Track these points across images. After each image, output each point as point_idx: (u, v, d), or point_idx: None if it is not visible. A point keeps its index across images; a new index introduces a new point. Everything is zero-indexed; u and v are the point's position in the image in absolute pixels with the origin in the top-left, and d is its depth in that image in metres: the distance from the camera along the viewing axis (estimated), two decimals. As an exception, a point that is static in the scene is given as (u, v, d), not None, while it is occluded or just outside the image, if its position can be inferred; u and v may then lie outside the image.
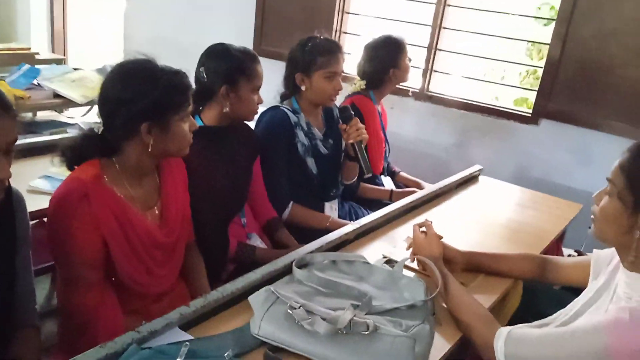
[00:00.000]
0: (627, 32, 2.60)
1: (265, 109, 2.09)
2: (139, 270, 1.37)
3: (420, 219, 1.91)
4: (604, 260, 1.27)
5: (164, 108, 1.30)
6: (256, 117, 1.94)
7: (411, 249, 1.50)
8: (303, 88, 2.06)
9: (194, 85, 1.70)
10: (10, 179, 1.10)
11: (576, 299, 1.25)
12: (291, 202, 2.04)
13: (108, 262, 1.32)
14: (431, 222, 1.53)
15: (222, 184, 1.75)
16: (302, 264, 1.38)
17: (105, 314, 1.31)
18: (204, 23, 4.06)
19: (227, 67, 1.70)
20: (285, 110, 2.05)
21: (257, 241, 1.88)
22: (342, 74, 2.09)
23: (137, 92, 1.28)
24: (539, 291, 1.69)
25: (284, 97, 2.15)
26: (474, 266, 1.54)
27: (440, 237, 1.49)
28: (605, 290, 1.18)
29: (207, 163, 1.71)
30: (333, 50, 2.04)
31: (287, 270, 1.34)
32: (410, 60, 2.56)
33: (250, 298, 1.19)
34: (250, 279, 1.27)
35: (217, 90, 1.70)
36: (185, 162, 1.57)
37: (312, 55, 2.02)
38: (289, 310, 1.12)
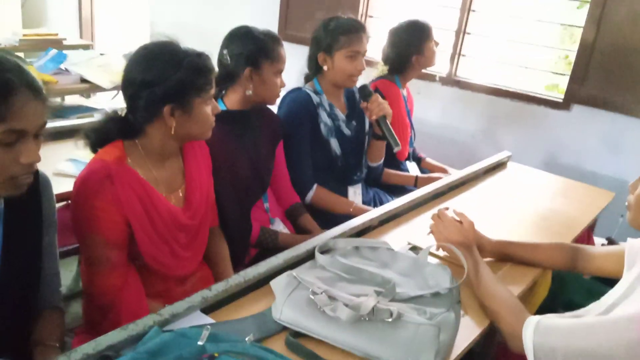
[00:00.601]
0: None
1: (287, 91, 2.07)
2: (163, 252, 1.38)
3: (446, 205, 1.87)
4: (639, 249, 1.21)
5: (186, 90, 1.29)
6: (278, 100, 1.92)
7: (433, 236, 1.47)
8: (325, 68, 2.03)
9: (216, 69, 1.70)
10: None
11: (610, 291, 1.20)
12: (315, 185, 2.02)
13: (132, 244, 1.33)
14: (447, 209, 1.48)
15: (244, 169, 1.74)
16: (325, 250, 1.36)
17: (128, 296, 1.31)
18: (229, 8, 4.05)
19: (250, 49, 1.69)
20: (308, 91, 2.03)
21: (279, 226, 1.87)
22: (367, 57, 2.05)
23: (159, 74, 1.27)
24: (567, 280, 1.64)
25: (307, 79, 2.13)
26: (504, 255, 1.50)
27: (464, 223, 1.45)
28: None
29: (230, 147, 1.70)
30: (356, 29, 2.01)
31: (309, 256, 1.33)
32: (437, 44, 2.47)
33: (272, 283, 1.18)
34: (272, 264, 1.26)
35: (241, 73, 1.69)
36: (209, 146, 1.56)
37: (335, 35, 1.99)
38: (311, 296, 1.10)
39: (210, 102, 1.37)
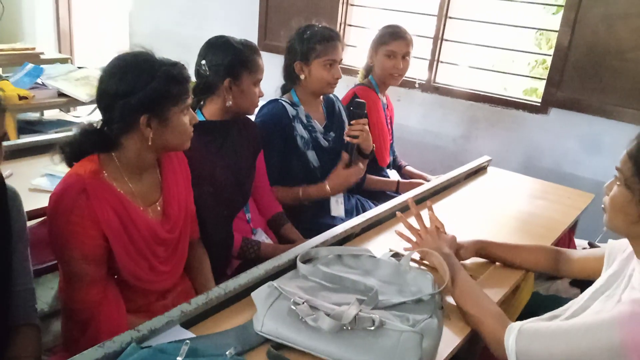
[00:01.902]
0: (637, 14, 2.53)
1: (264, 102, 2.07)
2: (141, 267, 1.36)
3: (426, 212, 1.88)
4: (619, 249, 1.23)
5: (162, 100, 1.28)
6: (256, 110, 1.92)
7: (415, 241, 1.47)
8: (302, 77, 2.04)
9: (194, 78, 1.69)
10: (5, 177, 1.08)
11: (588, 288, 1.21)
12: (274, 188, 2.02)
13: (110, 259, 1.30)
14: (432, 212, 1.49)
15: (225, 179, 1.72)
16: (307, 259, 1.35)
17: (107, 311, 1.29)
18: (208, 17, 4.04)
19: (229, 60, 1.67)
20: (284, 103, 2.03)
21: (262, 236, 1.86)
22: (347, 65, 2.06)
23: (134, 84, 1.25)
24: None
25: (284, 90, 2.13)
26: (485, 256, 1.51)
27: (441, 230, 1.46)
28: (618, 278, 1.14)
29: (210, 158, 1.69)
30: (332, 37, 2.02)
31: (291, 266, 1.32)
32: (393, 54, 2.40)
33: (253, 294, 1.16)
34: (253, 275, 1.24)
35: (220, 83, 1.68)
36: (188, 157, 1.54)
37: (311, 44, 1.99)
38: (292, 306, 1.09)
39: (188, 112, 1.36)
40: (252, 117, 1.98)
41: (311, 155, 2.06)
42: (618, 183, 1.07)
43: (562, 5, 2.78)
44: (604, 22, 2.62)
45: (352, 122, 2.04)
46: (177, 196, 1.47)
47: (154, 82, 1.26)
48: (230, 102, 1.69)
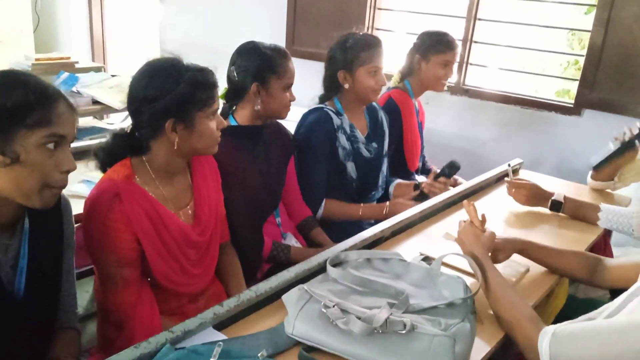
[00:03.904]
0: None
1: (306, 110, 2.07)
2: (174, 269, 1.38)
3: (458, 215, 1.86)
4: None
5: (187, 104, 1.30)
6: (294, 116, 1.91)
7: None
8: (346, 86, 2.02)
9: (225, 85, 1.71)
10: None
11: (624, 292, 1.18)
12: (324, 200, 2.01)
13: (143, 262, 1.33)
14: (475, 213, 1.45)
15: (256, 184, 1.74)
16: (337, 263, 1.35)
17: (142, 313, 1.32)
18: (236, 25, 4.09)
19: (256, 64, 1.69)
20: (329, 112, 2.02)
21: (292, 240, 1.87)
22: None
23: (160, 88, 1.28)
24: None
25: (322, 100, 2.11)
26: (525, 256, 1.48)
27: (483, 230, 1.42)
28: None
29: (241, 163, 1.70)
30: (375, 44, 2.01)
31: (321, 269, 1.32)
32: (450, 64, 2.40)
33: (284, 297, 1.17)
34: (284, 278, 1.25)
35: (248, 88, 1.70)
36: (219, 161, 1.57)
37: (355, 52, 1.98)
38: (323, 309, 1.10)
39: (214, 117, 1.37)
40: (291, 124, 1.99)
41: (350, 166, 2.05)
42: None
43: (594, 5, 2.72)
44: (638, 22, 2.55)
45: (439, 180, 2.04)
46: (208, 200, 1.49)
47: (180, 87, 1.28)
48: (259, 107, 1.70)
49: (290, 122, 1.96)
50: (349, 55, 1.99)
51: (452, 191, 1.97)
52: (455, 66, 3.13)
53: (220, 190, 1.57)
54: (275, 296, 1.22)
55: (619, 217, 1.76)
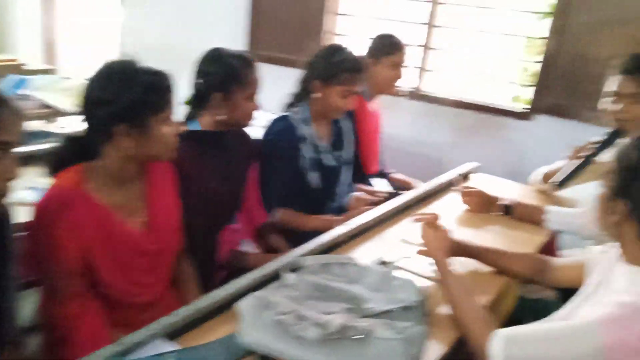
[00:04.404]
0: (623, 21, 2.57)
1: (268, 114, 2.06)
2: (124, 279, 1.34)
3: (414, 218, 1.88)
4: (600, 254, 1.23)
5: (140, 109, 1.26)
6: (259, 123, 1.89)
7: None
8: (316, 95, 2.01)
9: (186, 88, 1.68)
10: None
11: (574, 297, 1.22)
12: (281, 210, 2.00)
13: (91, 272, 1.29)
14: (436, 217, 1.47)
15: (217, 190, 1.71)
16: (293, 268, 1.34)
17: (89, 325, 1.27)
18: (199, 29, 4.04)
19: (219, 74, 1.66)
20: (294, 121, 2.01)
21: (250, 247, 1.85)
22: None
23: (113, 92, 1.25)
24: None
25: (296, 98, 2.10)
26: (473, 257, 1.51)
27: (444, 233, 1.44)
28: (603, 284, 1.15)
29: (202, 168, 1.68)
30: (359, 70, 2.00)
31: (277, 275, 1.31)
32: (398, 66, 2.44)
33: (239, 305, 1.15)
34: (239, 285, 1.23)
35: (210, 97, 1.67)
36: (179, 167, 1.53)
37: (337, 68, 1.96)
38: (278, 317, 1.09)
39: (171, 122, 1.35)
40: (257, 130, 1.97)
41: (313, 176, 2.04)
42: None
43: (549, 13, 2.81)
44: (590, 30, 2.66)
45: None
46: (163, 207, 1.45)
47: (133, 90, 1.25)
48: (222, 116, 1.68)
49: (254, 127, 1.95)
50: (331, 69, 1.97)
51: (407, 195, 1.99)
52: (415, 71, 3.21)
53: (176, 197, 1.54)
54: (230, 304, 1.20)
55: (566, 217, 1.82)
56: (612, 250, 1.15)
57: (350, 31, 3.47)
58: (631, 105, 1.83)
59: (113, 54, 4.65)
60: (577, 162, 1.94)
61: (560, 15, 2.72)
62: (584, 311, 1.13)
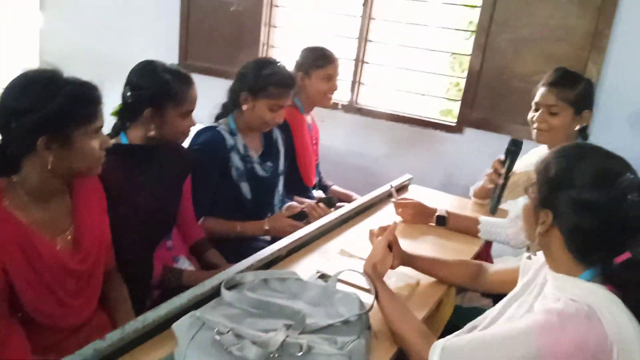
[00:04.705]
0: (540, 39, 2.73)
1: (201, 127, 2.01)
2: (49, 302, 1.26)
3: (353, 230, 1.89)
4: (534, 259, 1.29)
5: (64, 120, 1.20)
6: (191, 134, 1.85)
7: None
8: (244, 107, 1.99)
9: (115, 100, 1.61)
10: None
11: (505, 297, 1.26)
12: (202, 218, 1.95)
13: (12, 295, 1.19)
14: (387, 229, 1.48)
15: (149, 206, 1.64)
16: (232, 285, 1.31)
17: (10, 353, 1.18)
18: (127, 36, 3.90)
19: (152, 89, 1.60)
20: (222, 132, 1.98)
21: (184, 264, 1.78)
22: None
23: (34, 101, 1.17)
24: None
25: (225, 108, 2.07)
26: (412, 267, 1.54)
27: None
28: (530, 286, 1.20)
29: (132, 183, 1.61)
30: (288, 84, 1.99)
31: (215, 293, 1.26)
32: (331, 78, 2.45)
33: (174, 326, 1.10)
34: (174, 305, 1.18)
35: (142, 112, 1.60)
36: (106, 182, 1.46)
37: (266, 82, 1.95)
38: (216, 336, 1.05)
39: (97, 135, 1.28)
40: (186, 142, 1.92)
41: (244, 187, 2.01)
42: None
43: (473, 31, 2.95)
44: (511, 47, 2.81)
45: (320, 205, 2.03)
46: (91, 224, 1.38)
47: (56, 101, 1.18)
48: (153, 132, 1.61)
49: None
50: (260, 82, 1.95)
51: (346, 208, 2.00)
52: (348, 84, 3.26)
53: (105, 213, 1.46)
54: (165, 325, 1.15)
55: (497, 228, 1.89)
56: (542, 256, 1.20)
57: (286, 44, 3.47)
58: (549, 116, 1.94)
59: (31, 62, 4.40)
60: (499, 186, 2.00)
61: (483, 33, 2.86)
62: (511, 312, 1.18)
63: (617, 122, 2.67)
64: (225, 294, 1.23)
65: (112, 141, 1.61)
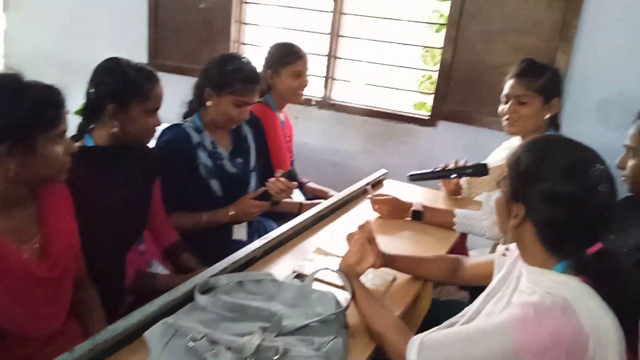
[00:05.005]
0: (509, 31, 2.75)
1: (166, 125, 1.97)
2: (17, 311, 1.22)
3: (329, 228, 1.88)
4: (508, 254, 1.29)
5: (26, 126, 1.16)
6: (156, 134, 1.81)
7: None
8: (208, 104, 1.96)
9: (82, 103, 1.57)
10: None
11: (482, 293, 1.27)
12: (172, 215, 1.92)
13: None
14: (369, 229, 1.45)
15: (118, 209, 1.60)
16: (206, 289, 1.28)
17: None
18: (94, 37, 3.81)
19: (116, 84, 1.56)
20: (188, 129, 1.94)
21: (158, 268, 1.75)
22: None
23: None
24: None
25: (191, 106, 2.03)
26: (391, 267, 1.53)
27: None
28: (507, 280, 1.21)
29: (100, 187, 1.57)
30: (254, 79, 1.96)
31: (189, 298, 1.24)
32: (300, 74, 2.43)
33: (146, 334, 1.07)
34: (145, 312, 1.15)
35: (105, 108, 1.56)
36: (73, 186, 1.42)
37: (231, 78, 1.92)
38: (190, 343, 1.02)
39: (61, 140, 1.24)
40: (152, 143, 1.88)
41: (214, 184, 1.98)
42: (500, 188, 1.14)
43: (444, 24, 2.96)
44: (482, 39, 2.83)
45: (280, 179, 1.95)
46: (59, 231, 1.34)
47: (18, 107, 1.15)
48: (116, 129, 1.57)
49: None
50: (224, 78, 1.92)
51: (321, 205, 1.99)
52: (321, 80, 3.24)
53: (73, 219, 1.43)
54: (137, 334, 1.12)
55: (472, 220, 1.90)
56: (516, 249, 1.20)
57: (258, 40, 3.44)
58: (518, 106, 1.96)
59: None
60: (437, 171, 2.05)
61: (453, 26, 2.87)
62: (490, 308, 1.18)
63: (587, 110, 2.71)
64: (199, 298, 1.21)
65: (77, 144, 1.56)
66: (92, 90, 1.58)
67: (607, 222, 1.02)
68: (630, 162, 1.36)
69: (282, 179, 1.95)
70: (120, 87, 1.56)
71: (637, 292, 1.01)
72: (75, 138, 1.60)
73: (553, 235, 1.04)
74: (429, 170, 2.07)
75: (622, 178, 1.38)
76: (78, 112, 1.61)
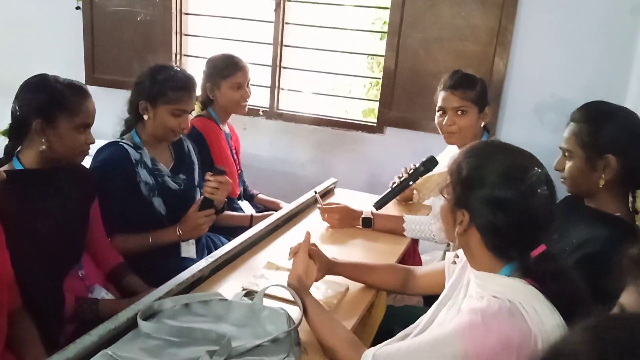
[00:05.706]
0: (448, 38, 2.82)
1: (103, 143, 1.89)
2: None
3: (280, 240, 1.85)
4: (457, 260, 1.30)
5: None
6: (92, 153, 1.74)
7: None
8: (145, 117, 1.90)
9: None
10: None
11: (435, 302, 1.27)
12: (115, 238, 1.85)
13: None
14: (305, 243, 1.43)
15: (51, 234, 1.52)
16: (149, 314, 1.22)
17: None
18: (27, 54, 3.62)
19: (42, 99, 1.49)
20: (126, 146, 1.87)
21: (101, 293, 1.66)
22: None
23: None
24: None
25: (128, 124, 1.97)
26: (339, 275, 1.51)
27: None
28: (457, 287, 1.21)
29: (31, 212, 1.48)
30: (187, 87, 1.91)
31: (132, 325, 1.18)
32: (240, 86, 2.38)
33: (85, 367, 1.01)
34: (85, 343, 1.08)
35: (31, 125, 1.48)
36: (2, 214, 1.34)
37: (163, 87, 1.86)
38: (132, 375, 0.97)
39: None
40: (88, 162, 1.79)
41: (157, 202, 1.91)
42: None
43: (386, 32, 2.99)
44: (422, 47, 2.88)
45: (207, 176, 1.89)
46: (-13, 262, 1.25)
47: None
48: (44, 147, 1.49)
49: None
50: (155, 88, 1.87)
51: (272, 217, 1.96)
52: (267, 90, 3.21)
53: (4, 249, 1.34)
54: (75, 367, 1.05)
55: (421, 225, 1.92)
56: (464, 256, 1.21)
57: (201, 52, 3.37)
58: (456, 117, 2.00)
59: None
60: (395, 187, 2.06)
61: (394, 34, 2.91)
62: (442, 316, 1.18)
63: (525, 113, 2.80)
64: (142, 324, 1.15)
65: (5, 168, 1.47)
66: (17, 107, 1.50)
67: (548, 225, 1.04)
68: (567, 164, 1.40)
69: (211, 178, 1.90)
70: (45, 101, 1.49)
71: (579, 291, 1.03)
72: (1, 162, 1.51)
73: (497, 240, 1.05)
74: (388, 191, 2.05)
75: (561, 180, 1.43)
76: (4, 133, 1.52)
